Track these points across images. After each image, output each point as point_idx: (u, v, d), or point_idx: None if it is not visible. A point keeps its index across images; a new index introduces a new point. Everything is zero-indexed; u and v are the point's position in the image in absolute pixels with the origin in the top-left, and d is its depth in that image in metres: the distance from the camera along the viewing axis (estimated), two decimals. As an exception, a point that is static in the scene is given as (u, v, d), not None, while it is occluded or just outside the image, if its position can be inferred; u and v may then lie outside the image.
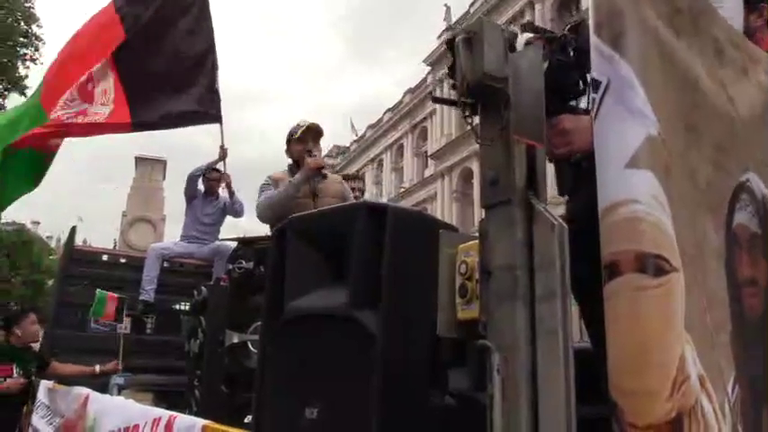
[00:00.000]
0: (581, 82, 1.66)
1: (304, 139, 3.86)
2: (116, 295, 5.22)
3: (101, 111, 5.39)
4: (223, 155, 5.83)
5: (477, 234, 1.43)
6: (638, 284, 1.05)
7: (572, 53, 1.60)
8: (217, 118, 5.73)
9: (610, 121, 1.16)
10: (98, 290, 5.26)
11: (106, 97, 5.45)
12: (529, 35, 1.53)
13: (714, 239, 1.26)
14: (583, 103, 1.75)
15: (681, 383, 1.03)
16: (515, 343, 1.18)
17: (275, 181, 3.82)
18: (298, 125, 3.94)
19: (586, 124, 1.58)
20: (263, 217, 3.70)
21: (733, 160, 1.37)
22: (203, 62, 5.73)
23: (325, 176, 3.82)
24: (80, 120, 5.31)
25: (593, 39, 1.23)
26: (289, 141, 3.95)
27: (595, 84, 1.20)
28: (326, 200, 3.61)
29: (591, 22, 1.25)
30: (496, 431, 1.19)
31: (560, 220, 1.18)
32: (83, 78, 5.42)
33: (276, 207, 3.58)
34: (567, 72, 1.56)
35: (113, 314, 5.19)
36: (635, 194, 1.09)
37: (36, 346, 5.57)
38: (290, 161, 3.98)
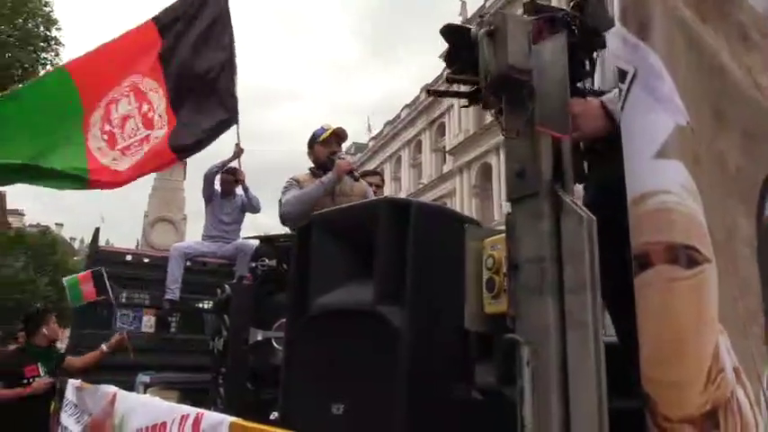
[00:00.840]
0: (587, 62, 1.62)
1: (329, 142, 3.91)
2: (87, 272, 5.11)
3: (159, 134, 5.59)
4: (238, 153, 5.88)
5: (500, 228, 1.42)
6: (670, 276, 1.04)
7: (576, 32, 1.55)
8: (234, 120, 5.79)
9: (638, 111, 1.14)
10: (64, 278, 5.19)
11: (162, 121, 5.64)
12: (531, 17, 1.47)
13: (745, 228, 1.24)
14: (589, 84, 1.71)
15: (716, 375, 1.01)
16: (545, 336, 1.17)
17: (298, 182, 3.85)
18: (322, 128, 3.99)
19: (595, 108, 1.56)
20: (291, 213, 3.71)
21: (762, 146, 1.35)
22: (225, 70, 5.81)
23: (356, 179, 3.84)
24: (144, 149, 5.50)
25: (618, 27, 1.21)
26: (311, 144, 3.99)
27: (622, 74, 1.18)
28: (348, 198, 3.63)
29: (615, 10, 1.24)
30: (527, 425, 1.19)
31: (589, 213, 1.17)
32: (145, 108, 5.63)
33: (306, 204, 3.60)
34: (573, 53, 1.51)
35: (95, 292, 5.07)
36: (665, 185, 1.07)
37: (62, 345, 5.65)
38: (311, 164, 4.02)
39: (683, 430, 1.00)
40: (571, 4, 1.61)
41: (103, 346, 4.86)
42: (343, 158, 3.85)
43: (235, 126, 5.81)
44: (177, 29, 5.82)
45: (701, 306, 1.03)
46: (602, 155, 1.59)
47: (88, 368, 4.86)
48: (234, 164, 5.99)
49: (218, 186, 6.13)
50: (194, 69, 5.75)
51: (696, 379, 1.00)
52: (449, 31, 1.42)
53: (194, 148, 5.74)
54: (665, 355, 1.03)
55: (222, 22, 5.88)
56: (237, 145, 5.87)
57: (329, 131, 3.94)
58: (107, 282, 5.12)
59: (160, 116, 5.65)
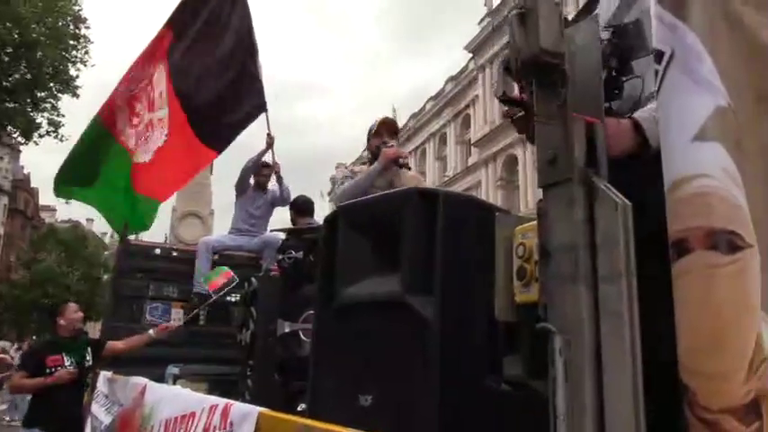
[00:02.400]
0: (619, 89, 1.61)
1: (380, 132, 3.94)
2: (231, 272, 5.27)
3: (161, 115, 5.58)
4: (270, 143, 5.84)
5: (529, 217, 1.40)
6: (710, 262, 1.00)
7: (614, 57, 1.54)
8: (262, 107, 5.72)
9: (675, 93, 1.10)
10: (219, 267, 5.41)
11: (162, 101, 5.62)
12: None
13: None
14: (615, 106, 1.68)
15: (758, 365, 0.97)
16: (578, 325, 1.14)
17: (354, 174, 3.88)
18: (375, 121, 4.04)
19: (626, 129, 1.54)
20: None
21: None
22: (246, 56, 5.73)
23: (402, 166, 3.84)
24: (153, 135, 5.54)
25: (655, 7, 1.18)
26: (368, 139, 4.04)
27: (658, 55, 1.15)
28: None
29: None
30: (559, 416, 1.16)
31: (624, 199, 1.13)
32: (146, 85, 5.66)
33: (351, 196, 3.61)
34: (608, 81, 1.50)
35: (219, 285, 5.21)
36: (704, 168, 1.04)
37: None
38: (370, 157, 4.07)
39: (724, 421, 0.96)
40: (612, 31, 1.59)
41: (151, 332, 4.94)
42: (391, 146, 3.85)
43: (264, 115, 5.76)
44: (185, 15, 5.80)
45: (743, 293, 1.00)
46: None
47: (132, 350, 4.96)
48: (267, 154, 5.98)
49: (251, 180, 6.14)
50: (211, 56, 5.68)
51: (738, 369, 0.97)
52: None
53: (228, 140, 5.73)
54: (706, 345, 0.99)
55: (238, 7, 5.79)
56: (269, 134, 5.83)
57: (377, 122, 3.99)
58: (228, 288, 5.22)
59: (160, 94, 5.62)
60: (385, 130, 3.95)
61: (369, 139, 4.02)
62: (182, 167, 5.63)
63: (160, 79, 5.65)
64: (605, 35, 1.51)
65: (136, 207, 5.69)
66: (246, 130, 5.77)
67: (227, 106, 5.64)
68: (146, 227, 5.87)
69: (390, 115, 4.06)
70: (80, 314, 5.17)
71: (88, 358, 4.86)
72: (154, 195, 5.63)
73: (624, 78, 1.56)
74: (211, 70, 5.69)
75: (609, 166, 1.25)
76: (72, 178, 5.93)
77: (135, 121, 5.67)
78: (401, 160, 3.82)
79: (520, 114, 1.63)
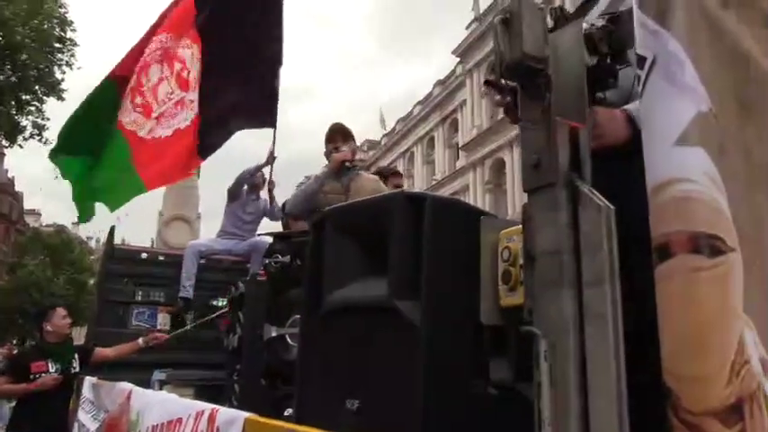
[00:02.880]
0: (614, 77, 1.61)
1: (332, 139, 4.09)
2: None
3: (193, 97, 5.38)
4: (271, 160, 5.72)
5: (516, 220, 1.40)
6: (693, 266, 1.01)
7: (608, 46, 1.55)
8: (272, 123, 5.56)
9: (657, 98, 1.12)
10: None
11: (196, 83, 5.42)
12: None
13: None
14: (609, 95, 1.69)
15: (740, 368, 0.98)
16: (563, 329, 1.15)
17: (308, 179, 3.96)
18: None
19: (619, 117, 1.55)
20: (291, 211, 3.87)
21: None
22: (268, 60, 5.50)
23: (349, 168, 3.93)
24: (180, 114, 5.33)
25: (637, 13, 1.19)
26: (325, 145, 4.15)
27: (641, 60, 1.16)
28: (361, 197, 3.66)
29: (633, -4, 1.21)
30: (545, 419, 1.16)
31: (607, 202, 1.14)
32: (178, 66, 5.46)
33: (300, 201, 3.71)
34: (603, 68, 1.51)
35: None
36: (686, 173, 1.05)
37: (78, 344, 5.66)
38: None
39: (706, 423, 0.97)
40: (607, 18, 1.60)
41: (140, 340, 4.90)
42: (342, 151, 3.94)
43: (271, 130, 5.59)
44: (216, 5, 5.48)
45: (725, 296, 1.01)
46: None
47: (121, 358, 4.93)
48: (265, 170, 5.92)
49: (245, 186, 6.12)
50: (238, 56, 5.41)
51: (720, 372, 0.98)
52: None
53: (216, 145, 5.59)
54: (689, 349, 1.00)
55: (274, 11, 5.49)
56: (271, 152, 5.69)
57: (329, 129, 4.13)
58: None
59: (195, 78, 5.40)
60: (337, 136, 4.09)
61: (326, 146, 4.13)
62: (176, 163, 5.50)
63: (193, 61, 5.42)
64: (600, 22, 1.51)
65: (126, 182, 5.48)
66: (248, 136, 5.65)
67: (234, 113, 5.48)
68: (119, 203, 5.69)
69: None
70: (68, 320, 5.10)
71: (75, 365, 4.80)
72: (145, 178, 5.46)
73: (619, 66, 1.56)
74: (235, 71, 5.43)
75: (597, 163, 1.26)
76: (68, 145, 5.68)
77: (141, 100, 5.45)
78: (349, 163, 3.97)
79: (509, 100, 1.60)
